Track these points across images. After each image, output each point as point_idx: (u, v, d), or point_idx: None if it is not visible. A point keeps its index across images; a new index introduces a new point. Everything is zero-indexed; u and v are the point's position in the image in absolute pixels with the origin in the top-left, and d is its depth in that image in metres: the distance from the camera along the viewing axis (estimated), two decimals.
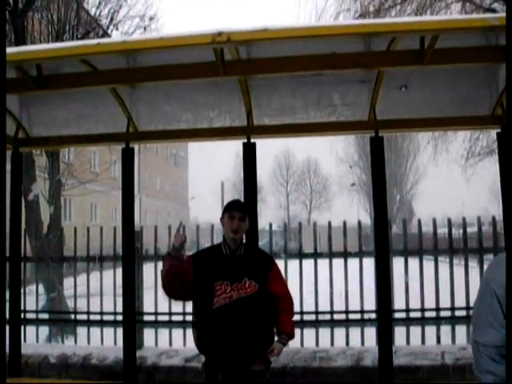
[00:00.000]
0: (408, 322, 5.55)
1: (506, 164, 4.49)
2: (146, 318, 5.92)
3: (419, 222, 5.81)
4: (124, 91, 4.43)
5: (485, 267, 5.26)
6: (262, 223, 6.66)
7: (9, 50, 2.91)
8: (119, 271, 5.07)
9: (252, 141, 4.61)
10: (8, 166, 4.93)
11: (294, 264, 5.63)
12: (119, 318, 5.67)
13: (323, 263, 5.72)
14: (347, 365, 5.09)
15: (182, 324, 5.86)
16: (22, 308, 5.66)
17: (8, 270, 4.83)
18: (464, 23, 2.89)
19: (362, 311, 5.59)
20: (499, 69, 4.14)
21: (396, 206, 37.06)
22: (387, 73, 4.06)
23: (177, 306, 5.78)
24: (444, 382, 4.84)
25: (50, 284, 7.28)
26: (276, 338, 3.48)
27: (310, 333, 5.62)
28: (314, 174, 51.78)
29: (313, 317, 5.62)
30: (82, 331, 6.23)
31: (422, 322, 5.56)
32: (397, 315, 5.42)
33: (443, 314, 5.51)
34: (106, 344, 5.97)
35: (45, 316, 6.60)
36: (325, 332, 5.66)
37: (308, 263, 5.73)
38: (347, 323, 5.62)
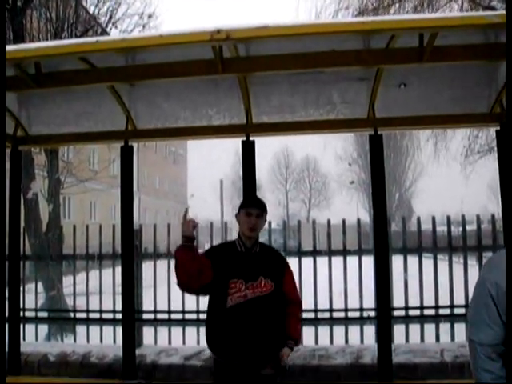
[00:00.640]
0: (407, 319, 5.55)
1: (505, 162, 4.49)
2: (145, 316, 5.92)
3: (418, 219, 5.81)
4: (123, 89, 4.42)
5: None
6: None
7: (7, 47, 2.91)
8: (118, 269, 5.07)
9: (251, 139, 4.61)
10: (7, 165, 4.94)
11: (292, 262, 5.59)
12: (118, 316, 5.66)
13: (322, 261, 5.72)
14: (346, 363, 5.09)
15: (182, 322, 5.86)
16: (22, 306, 5.66)
17: (7, 268, 4.83)
18: (463, 20, 2.89)
19: (361, 309, 5.59)
20: (498, 67, 4.14)
21: (395, 204, 37.11)
22: (386, 70, 4.05)
23: (176, 304, 5.79)
24: (443, 379, 4.84)
25: (50, 282, 7.28)
26: None
27: (309, 331, 5.61)
28: (313, 171, 51.81)
29: (312, 315, 5.62)
30: (81, 329, 6.22)
31: (421, 319, 5.56)
32: (396, 313, 5.43)
33: (442, 311, 5.52)
34: (106, 342, 5.96)
35: (44, 314, 6.59)
36: (324, 330, 5.66)
37: (307, 261, 5.73)
38: (346, 321, 5.62)
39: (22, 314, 5.62)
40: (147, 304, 5.97)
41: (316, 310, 5.65)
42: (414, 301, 5.57)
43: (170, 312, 5.86)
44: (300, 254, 5.79)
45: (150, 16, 12.60)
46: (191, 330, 5.85)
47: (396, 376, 4.68)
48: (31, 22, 11.60)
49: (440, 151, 18.73)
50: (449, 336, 5.50)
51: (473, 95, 4.55)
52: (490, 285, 2.42)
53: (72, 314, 6.38)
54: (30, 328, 6.09)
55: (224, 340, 3.25)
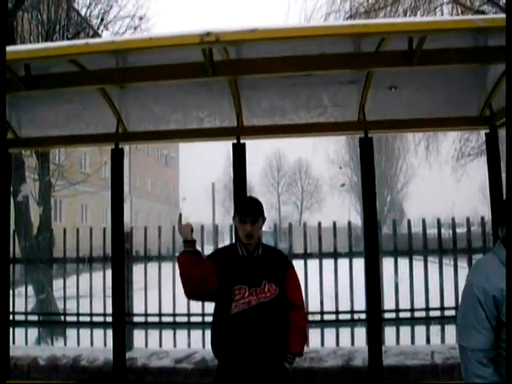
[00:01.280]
0: (398, 322, 5.56)
1: (494, 164, 4.52)
2: (136, 319, 5.89)
3: (409, 222, 5.83)
4: (113, 92, 4.42)
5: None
6: None
7: None
8: (109, 272, 5.05)
9: (242, 141, 4.61)
10: None
11: None
12: (109, 319, 5.65)
13: (313, 264, 5.72)
14: (338, 365, 5.09)
15: (172, 325, 5.84)
16: (11, 310, 5.62)
17: None
18: (451, 24, 2.91)
19: (352, 311, 5.60)
20: (487, 70, 4.17)
21: (386, 207, 37.20)
22: (376, 73, 4.07)
23: (167, 307, 5.78)
24: (434, 381, 4.86)
25: (40, 285, 7.23)
26: None
27: None
28: (305, 174, 51.96)
29: None
30: (71, 333, 6.19)
31: (412, 322, 5.57)
32: (387, 315, 5.44)
33: (433, 313, 5.53)
34: (96, 345, 5.94)
35: (34, 318, 6.55)
36: (315, 332, 5.66)
37: (298, 264, 5.72)
38: (337, 323, 5.62)
39: (11, 317, 5.59)
40: (138, 307, 5.95)
41: (307, 313, 5.64)
42: (404, 303, 5.59)
43: (160, 315, 5.84)
44: (291, 256, 5.78)
45: (141, 18, 12.62)
46: (182, 333, 5.84)
47: (387, 378, 4.70)
48: (22, 23, 11.57)
49: (431, 154, 18.82)
50: (439, 338, 5.52)
51: (462, 98, 4.58)
52: (477, 290, 2.43)
53: (62, 318, 6.34)
54: (19, 332, 6.05)
55: (228, 347, 3.18)
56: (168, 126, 4.82)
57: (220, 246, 5.92)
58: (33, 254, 8.17)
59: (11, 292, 5.52)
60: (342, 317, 5.62)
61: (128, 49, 2.87)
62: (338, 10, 12.17)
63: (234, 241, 5.35)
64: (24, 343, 6.07)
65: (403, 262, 5.73)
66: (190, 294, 3.28)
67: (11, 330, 5.51)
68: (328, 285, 5.64)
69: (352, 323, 5.58)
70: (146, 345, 5.86)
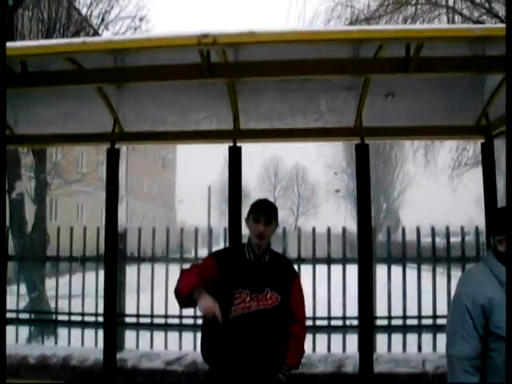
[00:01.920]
0: (390, 329, 5.56)
1: (489, 174, 4.53)
2: (128, 319, 5.88)
3: (403, 230, 5.84)
4: (111, 91, 4.40)
5: None
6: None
7: None
8: (102, 272, 5.04)
9: (238, 145, 4.60)
10: None
11: None
12: (101, 319, 5.63)
13: (307, 269, 5.71)
14: (328, 371, 5.08)
15: (164, 327, 5.83)
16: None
17: None
18: (449, 32, 2.92)
19: (344, 317, 5.60)
20: (484, 80, 4.18)
21: (382, 214, 37.27)
22: (374, 80, 4.07)
23: (159, 309, 5.76)
24: None
25: (32, 284, 7.20)
26: None
27: None
28: (301, 179, 52.03)
29: None
30: (62, 332, 6.17)
31: (404, 329, 5.57)
32: (379, 322, 5.44)
33: (425, 321, 5.54)
34: (87, 345, 5.92)
35: (25, 316, 6.53)
36: (307, 338, 5.64)
37: None
38: (329, 329, 5.62)
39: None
40: (130, 308, 5.93)
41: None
42: (397, 310, 5.59)
43: (152, 316, 5.83)
44: None
45: (141, 19, 12.63)
46: (173, 335, 5.82)
47: None
48: (22, 21, 11.56)
49: (428, 163, 18.89)
50: (431, 346, 5.52)
51: (459, 107, 4.58)
52: (466, 299, 2.44)
53: (54, 317, 6.32)
54: (10, 330, 6.02)
55: (221, 351, 3.07)
56: (165, 128, 4.80)
57: (214, 249, 5.98)
58: (26, 252, 8.15)
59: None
60: (334, 322, 5.61)
61: (125, 48, 2.86)
62: (339, 16, 12.23)
63: (227, 245, 5.38)
64: (14, 342, 6.05)
65: (397, 270, 5.74)
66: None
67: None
68: (321, 290, 5.64)
69: (344, 329, 5.57)
70: (137, 346, 5.84)
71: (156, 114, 4.75)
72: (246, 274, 3.15)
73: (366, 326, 4.49)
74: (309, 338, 5.62)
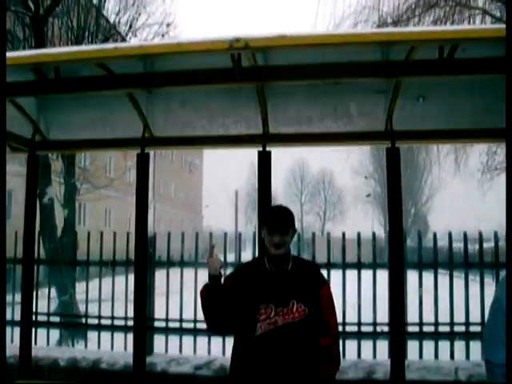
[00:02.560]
0: (421, 335, 5.47)
1: None
2: (157, 324, 5.90)
3: (435, 235, 5.74)
4: (140, 96, 4.44)
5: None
6: None
7: (28, 52, 2.93)
8: (131, 277, 5.07)
9: (267, 149, 4.59)
10: (23, 169, 4.99)
11: None
12: (130, 323, 5.67)
13: (336, 274, 5.66)
14: (359, 377, 5.02)
15: (193, 331, 5.83)
16: (34, 310, 5.67)
17: (22, 272, 4.86)
18: (484, 33, 2.86)
19: (374, 324, 5.53)
20: None
21: (411, 219, 36.85)
22: (404, 83, 4.02)
23: (188, 313, 5.77)
24: None
25: (62, 287, 7.29)
26: None
27: None
28: (328, 184, 51.82)
29: None
30: (92, 336, 6.22)
31: (436, 336, 5.47)
32: (410, 329, 5.36)
33: (457, 329, 5.43)
34: (117, 349, 5.96)
35: (56, 319, 6.61)
36: None
37: None
38: (359, 335, 5.55)
39: (34, 318, 5.64)
40: (159, 312, 5.96)
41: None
42: (428, 316, 5.50)
43: (181, 321, 5.84)
44: None
45: (168, 25, 12.74)
46: (202, 340, 5.81)
47: None
48: (53, 29, 11.79)
49: (457, 167, 18.59)
50: (463, 354, 5.41)
51: (491, 110, 4.48)
52: (506, 302, 2.38)
53: (84, 320, 6.38)
54: (41, 332, 6.10)
55: (252, 370, 2.88)
56: (194, 132, 4.82)
57: (243, 254, 5.96)
58: (56, 256, 8.27)
59: (34, 293, 5.56)
60: (364, 329, 5.55)
61: (156, 53, 2.88)
62: (367, 19, 12.15)
63: (257, 250, 5.35)
64: (46, 344, 6.12)
65: (427, 276, 5.65)
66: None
67: (33, 330, 5.55)
68: (351, 296, 5.58)
69: (374, 336, 5.50)
70: (165, 350, 5.85)
71: (185, 118, 4.78)
72: (268, 288, 2.95)
73: (398, 332, 4.42)
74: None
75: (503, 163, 16.16)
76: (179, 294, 5.91)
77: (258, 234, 4.52)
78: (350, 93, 4.32)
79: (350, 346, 5.56)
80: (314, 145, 5.01)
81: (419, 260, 5.74)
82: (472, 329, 5.36)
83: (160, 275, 6.06)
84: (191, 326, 5.83)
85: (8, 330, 5.53)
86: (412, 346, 5.43)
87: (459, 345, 5.45)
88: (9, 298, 5.52)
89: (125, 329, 5.88)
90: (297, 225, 3.13)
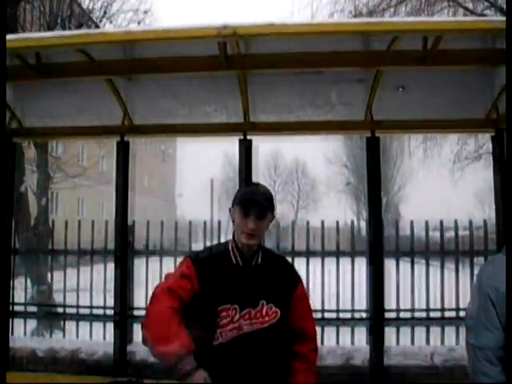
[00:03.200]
0: (398, 322, 5.57)
1: (499, 166, 4.53)
2: (136, 312, 5.86)
3: (412, 223, 5.82)
4: (120, 84, 4.39)
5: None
6: None
7: (9, 36, 2.87)
8: (109, 266, 5.04)
9: (248, 138, 4.60)
10: None
11: None
12: (108, 312, 5.65)
13: (315, 262, 5.72)
14: (337, 364, 5.09)
15: None
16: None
17: None
18: (470, 25, 2.92)
19: (352, 310, 5.61)
20: (495, 73, 4.16)
21: (383, 209, 37.26)
22: (385, 73, 4.06)
23: None
24: (433, 381, 4.87)
25: (38, 277, 7.20)
26: None
27: None
28: (301, 174, 52.04)
29: None
30: (70, 326, 6.16)
31: (412, 322, 5.58)
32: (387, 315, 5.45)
33: (433, 314, 5.55)
34: (95, 339, 5.91)
35: (33, 309, 6.52)
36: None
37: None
38: (338, 322, 5.62)
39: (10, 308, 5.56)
40: (137, 301, 5.93)
41: None
42: (405, 303, 5.60)
43: None
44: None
45: (145, 12, 12.60)
46: None
47: (386, 378, 4.70)
48: (24, 14, 11.52)
49: (429, 157, 18.87)
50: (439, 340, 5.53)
51: (469, 100, 4.58)
52: (490, 289, 2.44)
53: (61, 310, 6.31)
54: (18, 323, 6.01)
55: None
56: (174, 120, 4.80)
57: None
58: (30, 246, 8.14)
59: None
60: (342, 315, 5.62)
61: (144, 39, 2.85)
62: (342, 9, 12.20)
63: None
64: (23, 334, 6.05)
65: (391, 263, 5.73)
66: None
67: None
68: (330, 284, 5.65)
69: (353, 322, 5.57)
70: None
71: (166, 106, 4.74)
72: (233, 285, 2.40)
73: (378, 318, 4.50)
74: (318, 330, 5.65)
75: (473, 153, 16.47)
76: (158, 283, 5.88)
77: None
78: (331, 82, 4.34)
79: (329, 332, 5.63)
80: (295, 133, 5.03)
81: (396, 248, 5.83)
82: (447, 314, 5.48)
83: (138, 264, 6.02)
84: None
85: None
86: (389, 333, 5.53)
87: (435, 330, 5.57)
88: None
89: (104, 318, 5.84)
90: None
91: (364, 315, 5.26)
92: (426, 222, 5.73)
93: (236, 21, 2.73)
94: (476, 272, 5.16)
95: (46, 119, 4.98)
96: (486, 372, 2.40)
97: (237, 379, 2.33)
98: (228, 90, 4.35)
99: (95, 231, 6.14)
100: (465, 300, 5.20)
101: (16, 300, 5.93)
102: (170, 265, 5.79)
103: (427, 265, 5.70)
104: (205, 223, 5.99)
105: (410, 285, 5.63)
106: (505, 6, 10.52)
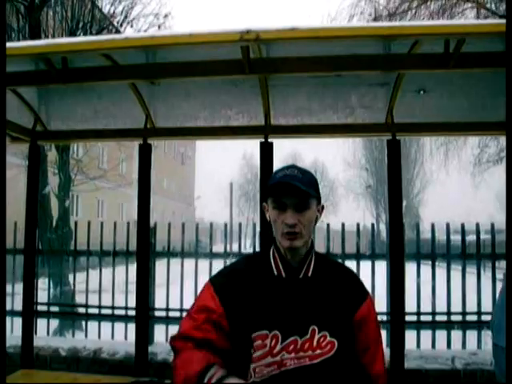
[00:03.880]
0: (419, 325, 5.54)
1: None
2: (157, 313, 5.93)
3: (433, 226, 5.80)
4: (143, 88, 4.45)
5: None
6: None
7: (37, 42, 2.94)
8: (132, 267, 5.10)
9: (269, 140, 4.62)
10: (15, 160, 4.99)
11: None
12: (130, 312, 5.72)
13: None
14: None
15: None
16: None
17: (24, 262, 4.87)
18: (492, 27, 2.90)
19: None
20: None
21: (402, 212, 37.00)
22: (406, 76, 4.06)
23: (188, 302, 5.79)
24: None
25: (61, 277, 7.30)
26: None
27: None
28: (320, 176, 51.91)
29: None
30: (92, 325, 6.25)
31: (433, 325, 5.55)
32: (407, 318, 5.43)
33: (454, 318, 5.51)
34: (117, 339, 5.99)
35: (56, 309, 6.63)
36: None
37: None
38: None
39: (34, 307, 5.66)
40: (159, 302, 5.99)
41: None
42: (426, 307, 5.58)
43: (181, 310, 5.88)
44: None
45: (165, 16, 12.72)
46: None
47: (407, 382, 4.68)
48: (47, 19, 11.72)
49: (449, 160, 18.74)
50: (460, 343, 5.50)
51: (490, 103, 4.54)
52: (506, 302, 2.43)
53: (84, 310, 6.40)
54: (41, 322, 6.12)
55: None
56: (196, 123, 4.85)
57: (243, 244, 5.98)
58: (53, 247, 8.26)
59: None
60: None
61: (168, 44, 2.88)
62: (362, 12, 12.19)
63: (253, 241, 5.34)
64: (46, 334, 6.15)
65: (424, 267, 5.72)
66: None
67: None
68: None
69: None
70: (166, 339, 5.88)
71: (187, 109, 4.80)
72: (273, 303, 1.84)
73: (398, 321, 4.48)
74: None
75: (495, 156, 16.31)
76: (179, 284, 5.95)
77: (260, 229, 4.29)
78: (352, 85, 4.36)
79: None
80: (315, 136, 5.03)
81: (417, 251, 5.81)
82: (469, 318, 5.45)
83: (160, 265, 6.09)
84: None
85: (8, 320, 5.56)
86: (409, 336, 5.51)
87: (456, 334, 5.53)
88: (9, 288, 5.55)
89: (125, 318, 5.92)
90: None
91: (384, 318, 5.25)
92: (447, 225, 5.69)
93: (254, 24, 2.77)
94: (498, 276, 5.16)
95: (70, 122, 5.06)
96: None
97: None
98: (249, 94, 4.38)
99: (110, 232, 6.22)
100: (487, 304, 5.16)
101: (39, 300, 6.05)
102: (190, 266, 5.86)
103: (448, 268, 5.65)
104: (225, 225, 6.02)
105: (431, 288, 5.61)
106: None
